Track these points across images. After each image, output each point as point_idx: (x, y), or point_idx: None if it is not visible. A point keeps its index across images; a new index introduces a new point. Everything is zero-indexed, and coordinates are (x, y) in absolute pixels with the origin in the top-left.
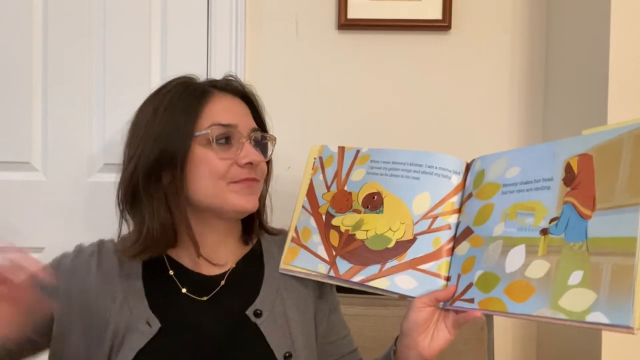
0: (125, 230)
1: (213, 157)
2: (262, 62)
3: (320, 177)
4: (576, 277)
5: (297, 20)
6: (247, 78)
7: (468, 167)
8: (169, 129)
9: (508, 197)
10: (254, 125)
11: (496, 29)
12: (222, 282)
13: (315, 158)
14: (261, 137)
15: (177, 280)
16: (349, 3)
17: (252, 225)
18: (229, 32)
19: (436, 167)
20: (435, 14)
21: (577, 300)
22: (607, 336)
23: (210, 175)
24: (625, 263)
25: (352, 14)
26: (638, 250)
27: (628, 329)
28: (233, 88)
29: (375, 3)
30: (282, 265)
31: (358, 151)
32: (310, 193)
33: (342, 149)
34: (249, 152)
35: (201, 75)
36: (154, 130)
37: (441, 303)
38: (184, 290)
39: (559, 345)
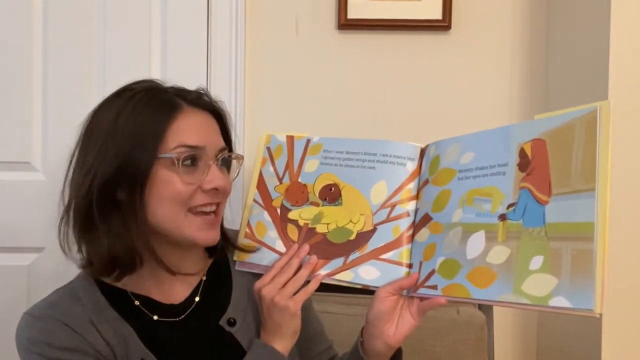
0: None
1: (176, 181)
2: (262, 62)
3: (271, 168)
4: (537, 262)
5: (297, 20)
6: (247, 78)
7: (423, 152)
8: (131, 144)
9: (464, 183)
10: (222, 144)
11: (496, 29)
12: (197, 299)
13: (265, 147)
14: (228, 156)
15: (145, 310)
16: (349, 3)
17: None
18: (229, 32)
19: (390, 155)
20: (435, 14)
21: (539, 285)
22: (607, 336)
23: (171, 199)
24: (584, 248)
25: (352, 14)
26: (596, 235)
27: (590, 312)
28: (204, 103)
29: (375, 3)
30: (237, 260)
31: (309, 140)
32: (261, 185)
33: (290, 138)
34: (215, 177)
35: (168, 81)
36: (114, 143)
37: (405, 291)
38: (155, 318)
39: (559, 345)
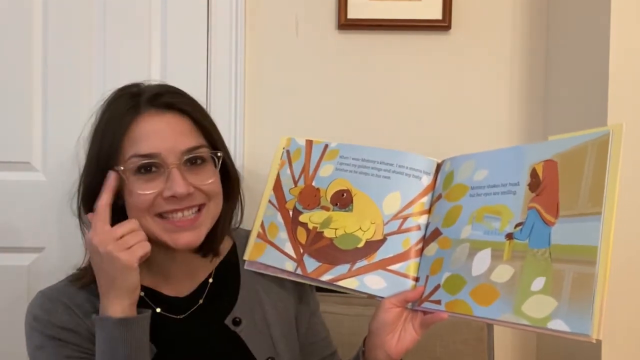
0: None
1: (135, 190)
2: (262, 62)
3: (288, 171)
4: (539, 283)
5: (297, 20)
6: (247, 78)
7: (439, 167)
8: (98, 155)
9: (476, 200)
10: (187, 145)
11: (496, 29)
12: (201, 301)
13: (283, 150)
14: (196, 157)
15: (149, 302)
16: (349, 3)
17: (214, 240)
18: (229, 32)
19: (407, 167)
20: (435, 14)
21: (539, 306)
22: (607, 336)
23: (135, 207)
24: (586, 272)
25: (352, 14)
26: (599, 259)
27: (587, 337)
28: (163, 102)
29: (375, 3)
30: (246, 259)
31: (327, 146)
32: (277, 187)
33: (309, 142)
34: (173, 184)
35: (148, 80)
36: (90, 154)
37: (409, 304)
38: (158, 310)
39: (559, 346)
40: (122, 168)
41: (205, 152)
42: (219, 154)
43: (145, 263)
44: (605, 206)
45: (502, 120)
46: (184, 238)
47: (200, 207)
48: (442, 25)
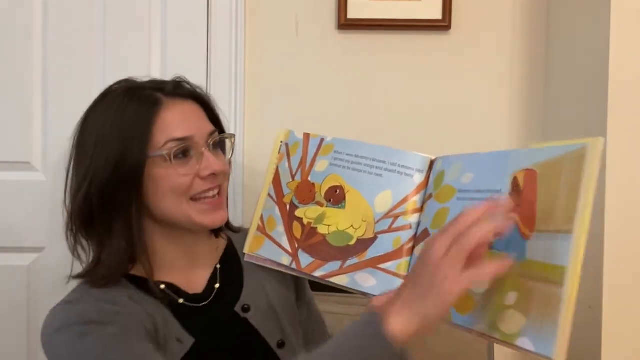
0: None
1: (173, 174)
2: (262, 62)
3: (286, 165)
4: (512, 297)
5: (297, 20)
6: (247, 78)
7: (432, 164)
8: (120, 147)
9: (462, 204)
10: (210, 128)
11: (496, 29)
12: (217, 285)
13: (281, 142)
14: (219, 139)
15: (171, 293)
16: (349, 3)
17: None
18: (229, 33)
19: (398, 165)
20: (435, 14)
21: (510, 321)
22: (607, 336)
23: (171, 192)
24: (553, 292)
25: (352, 14)
26: (567, 280)
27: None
28: (183, 91)
29: (375, 3)
30: (246, 252)
31: (322, 140)
32: (276, 181)
33: (307, 136)
34: (210, 163)
35: (145, 77)
36: (104, 148)
37: None
38: (180, 301)
39: None
40: (158, 154)
41: (222, 136)
42: (233, 138)
43: (162, 257)
44: (576, 224)
45: (502, 120)
46: (219, 216)
47: (220, 187)
48: (442, 25)
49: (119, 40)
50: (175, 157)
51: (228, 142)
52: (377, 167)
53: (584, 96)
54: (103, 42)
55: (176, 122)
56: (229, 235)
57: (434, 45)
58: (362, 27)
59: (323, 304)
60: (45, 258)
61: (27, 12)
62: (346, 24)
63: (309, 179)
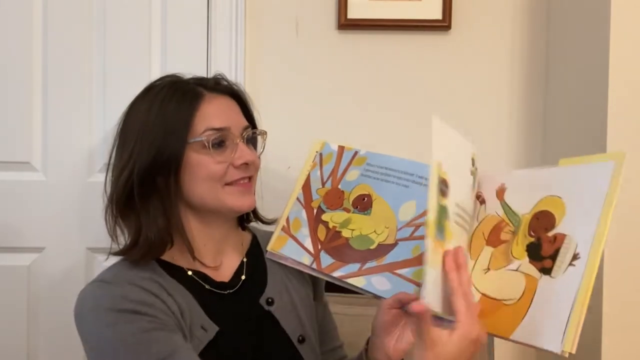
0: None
1: (209, 161)
2: (262, 62)
3: (318, 172)
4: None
5: (297, 20)
6: (247, 78)
7: None
8: (163, 134)
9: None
10: (245, 123)
11: (496, 29)
12: (243, 277)
13: (316, 153)
14: (252, 133)
15: (198, 279)
16: (349, 3)
17: (247, 215)
18: (229, 32)
19: (425, 178)
20: (435, 14)
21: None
22: (607, 336)
23: (207, 178)
24: None
25: (352, 14)
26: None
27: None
28: (223, 87)
29: (375, 3)
30: (269, 250)
31: (356, 152)
32: (306, 187)
33: (342, 148)
34: (244, 153)
35: (188, 73)
36: (147, 135)
37: (406, 307)
38: (207, 287)
39: None
40: (197, 139)
41: (255, 131)
42: (265, 135)
43: (193, 242)
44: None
45: (502, 120)
46: (248, 200)
47: (249, 178)
48: (442, 25)
49: (119, 40)
50: (213, 145)
51: (260, 139)
52: (405, 179)
53: (583, 96)
54: (103, 42)
55: (215, 113)
56: (254, 233)
57: (434, 45)
58: (362, 27)
59: None
60: (45, 258)
61: (27, 12)
62: (346, 24)
63: (339, 186)
